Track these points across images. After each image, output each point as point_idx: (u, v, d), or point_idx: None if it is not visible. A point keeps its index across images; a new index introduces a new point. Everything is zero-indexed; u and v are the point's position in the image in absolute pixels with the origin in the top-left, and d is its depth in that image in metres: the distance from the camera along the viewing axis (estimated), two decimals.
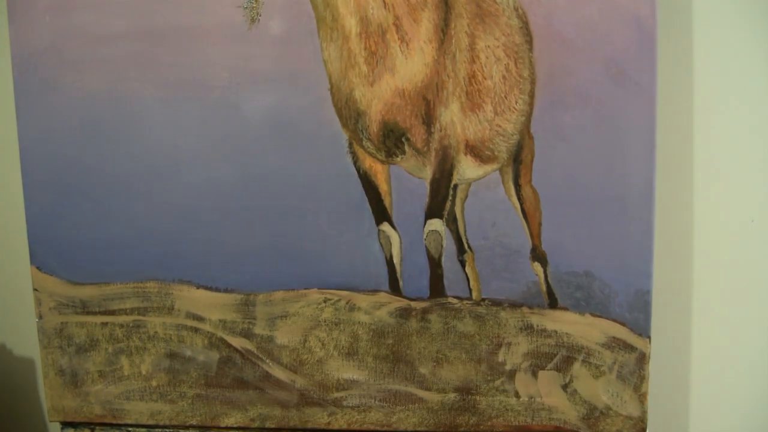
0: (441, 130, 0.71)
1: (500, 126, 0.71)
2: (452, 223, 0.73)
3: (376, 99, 0.70)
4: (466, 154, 0.72)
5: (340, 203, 0.73)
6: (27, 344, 0.89)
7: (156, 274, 0.76)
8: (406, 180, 0.73)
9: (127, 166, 0.74)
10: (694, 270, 0.79)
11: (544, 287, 0.73)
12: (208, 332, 0.76)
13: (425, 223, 0.73)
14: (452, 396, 0.75)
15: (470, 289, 0.74)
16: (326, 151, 0.72)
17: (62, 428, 0.80)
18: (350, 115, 0.71)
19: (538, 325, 0.73)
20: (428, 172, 0.72)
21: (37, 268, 0.76)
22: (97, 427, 0.79)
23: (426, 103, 0.70)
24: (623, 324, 0.72)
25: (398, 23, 0.69)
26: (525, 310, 0.73)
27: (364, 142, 0.72)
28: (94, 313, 0.77)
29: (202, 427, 0.78)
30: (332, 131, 0.72)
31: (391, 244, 0.73)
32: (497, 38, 0.69)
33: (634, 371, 0.73)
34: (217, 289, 0.75)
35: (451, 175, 0.72)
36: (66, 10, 0.72)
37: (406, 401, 0.75)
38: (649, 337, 0.72)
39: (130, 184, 0.74)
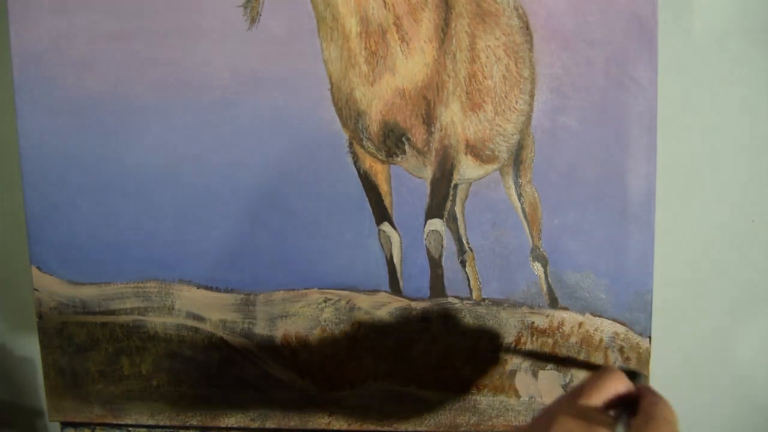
0: (441, 130, 0.71)
1: (501, 126, 0.71)
2: (452, 222, 0.73)
3: (377, 99, 0.70)
4: (466, 153, 0.71)
5: (340, 203, 0.73)
6: (27, 344, 0.89)
7: (156, 274, 0.76)
8: (407, 180, 0.73)
9: (127, 166, 0.74)
10: (694, 270, 0.79)
11: (544, 287, 0.73)
12: (208, 332, 0.76)
13: (425, 223, 0.73)
14: (452, 396, 0.75)
15: (470, 289, 0.74)
16: (326, 151, 0.72)
17: (62, 428, 0.80)
18: (350, 114, 0.71)
19: (538, 325, 0.73)
20: (428, 172, 0.72)
21: (37, 268, 0.76)
22: (97, 427, 0.79)
23: (426, 103, 0.70)
24: (623, 324, 0.72)
25: (399, 23, 0.69)
26: (525, 309, 0.73)
27: (364, 142, 0.72)
28: (94, 313, 0.77)
29: (202, 428, 0.78)
30: (332, 131, 0.72)
31: (391, 243, 0.73)
32: (498, 38, 0.69)
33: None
34: (217, 289, 0.75)
35: (451, 174, 0.72)
36: (66, 10, 0.72)
37: (406, 401, 0.75)
38: (649, 337, 0.72)
39: (130, 183, 0.74)
